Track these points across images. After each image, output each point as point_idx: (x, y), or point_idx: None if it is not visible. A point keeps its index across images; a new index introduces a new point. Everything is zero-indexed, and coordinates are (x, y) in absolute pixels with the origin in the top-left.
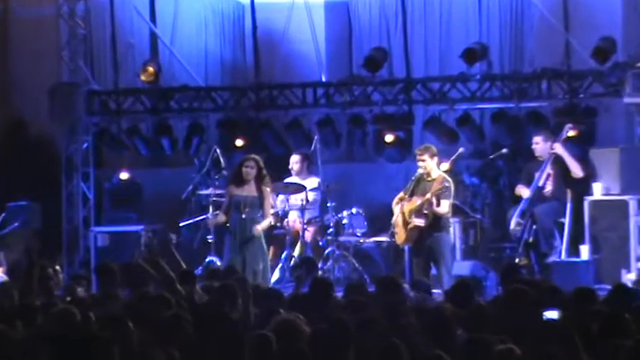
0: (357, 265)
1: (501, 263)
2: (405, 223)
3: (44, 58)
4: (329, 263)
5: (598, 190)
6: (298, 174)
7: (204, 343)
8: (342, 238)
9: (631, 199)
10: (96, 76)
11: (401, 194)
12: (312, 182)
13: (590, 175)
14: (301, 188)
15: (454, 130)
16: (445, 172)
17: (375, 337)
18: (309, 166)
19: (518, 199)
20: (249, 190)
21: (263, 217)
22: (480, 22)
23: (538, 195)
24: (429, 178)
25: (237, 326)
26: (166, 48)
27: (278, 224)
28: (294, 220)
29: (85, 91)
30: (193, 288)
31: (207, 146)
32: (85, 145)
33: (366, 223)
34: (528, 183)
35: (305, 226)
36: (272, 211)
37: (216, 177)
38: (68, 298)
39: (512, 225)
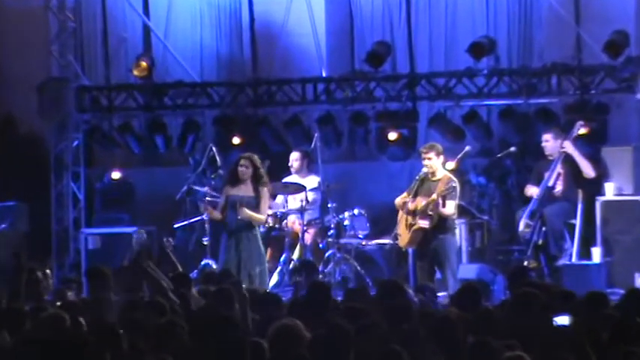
0: (358, 268)
1: (509, 266)
2: (409, 224)
3: (33, 52)
4: (330, 266)
5: (610, 191)
6: (298, 172)
7: (201, 349)
8: (343, 240)
9: None
10: (86, 71)
11: (404, 195)
12: (312, 181)
13: (602, 175)
14: (301, 188)
15: (460, 127)
16: (451, 171)
17: (375, 342)
18: (310, 165)
19: (527, 199)
20: (246, 190)
21: None
22: (487, 14)
23: (548, 195)
24: (434, 178)
25: (238, 330)
26: (160, 42)
27: (277, 225)
28: (293, 221)
29: (76, 86)
30: (189, 292)
31: (203, 144)
32: (76, 143)
33: (368, 224)
34: (538, 183)
35: (305, 228)
36: (270, 212)
37: (212, 176)
38: (58, 303)
39: (521, 226)
